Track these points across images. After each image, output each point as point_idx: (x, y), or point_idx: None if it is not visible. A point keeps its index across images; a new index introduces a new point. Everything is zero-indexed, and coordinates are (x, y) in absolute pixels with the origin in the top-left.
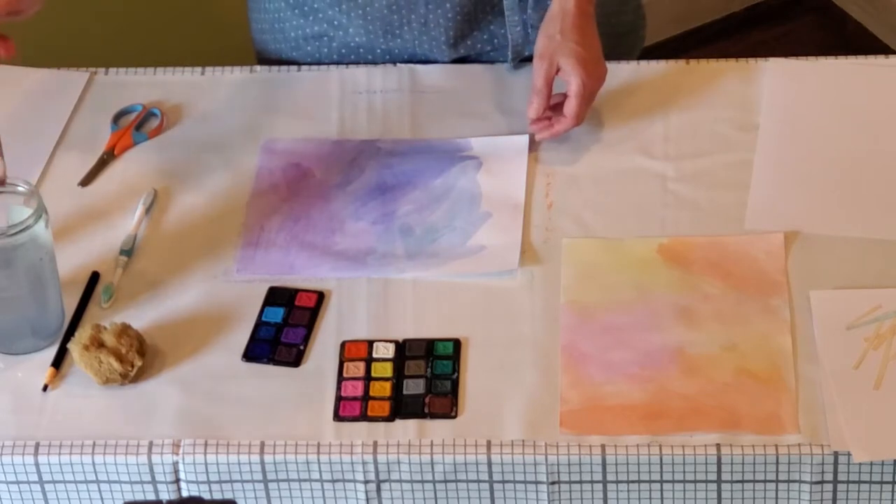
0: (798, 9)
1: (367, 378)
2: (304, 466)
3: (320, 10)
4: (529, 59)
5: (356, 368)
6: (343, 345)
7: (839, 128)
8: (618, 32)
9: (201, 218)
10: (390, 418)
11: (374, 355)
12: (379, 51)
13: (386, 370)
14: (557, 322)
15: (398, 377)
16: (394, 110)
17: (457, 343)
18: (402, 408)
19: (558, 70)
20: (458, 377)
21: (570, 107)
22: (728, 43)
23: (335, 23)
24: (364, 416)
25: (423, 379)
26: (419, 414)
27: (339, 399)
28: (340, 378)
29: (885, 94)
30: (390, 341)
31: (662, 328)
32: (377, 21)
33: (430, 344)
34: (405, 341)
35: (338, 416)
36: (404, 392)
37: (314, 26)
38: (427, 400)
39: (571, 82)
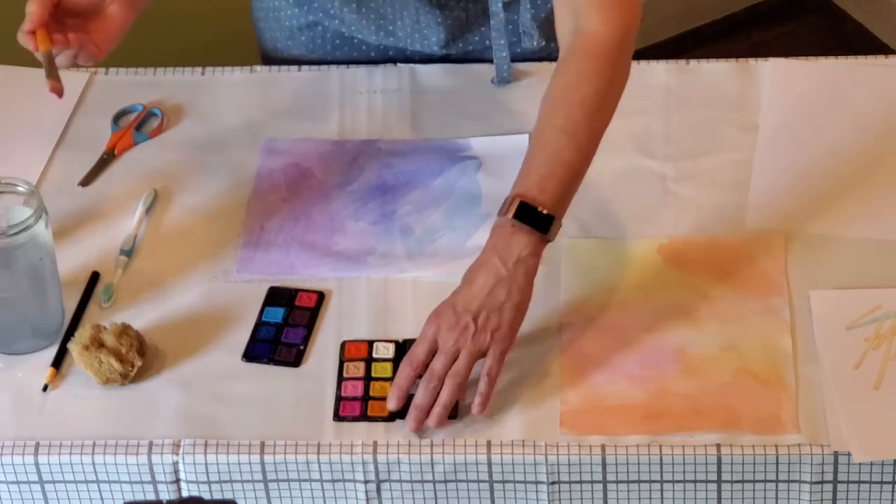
0: (798, 9)
1: (368, 378)
2: (304, 466)
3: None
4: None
5: (356, 368)
6: (343, 345)
7: (839, 128)
8: None
9: (201, 218)
10: (390, 418)
11: (375, 355)
12: (374, 42)
13: (386, 370)
14: (557, 322)
15: None
16: (394, 110)
17: None
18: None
19: None
20: None
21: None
22: (728, 43)
23: (330, 12)
24: (364, 417)
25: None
26: None
27: (339, 399)
28: (340, 378)
29: (885, 94)
30: (390, 341)
31: (662, 328)
32: (371, 15)
33: None
34: (405, 341)
35: (338, 417)
36: None
37: (308, 16)
38: None
39: None
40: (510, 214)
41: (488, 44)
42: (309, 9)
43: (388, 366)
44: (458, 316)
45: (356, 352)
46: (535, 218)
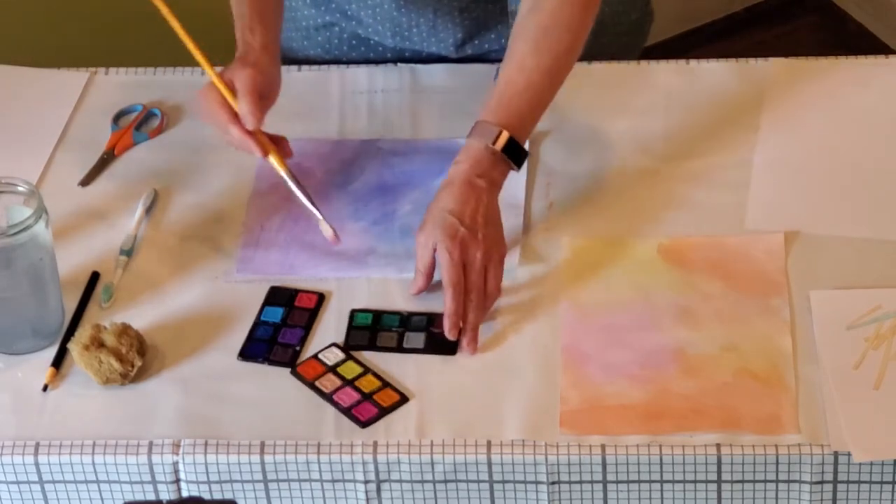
0: (798, 9)
1: (348, 382)
2: (304, 466)
3: (333, 0)
4: None
5: (330, 382)
6: (295, 371)
7: (839, 128)
8: (623, 31)
9: (201, 218)
10: (404, 400)
11: (330, 364)
12: (390, 44)
13: (354, 370)
14: (557, 322)
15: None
16: (394, 110)
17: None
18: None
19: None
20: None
21: (444, 301)
22: (728, 43)
23: (347, 13)
24: (384, 412)
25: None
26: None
27: (347, 411)
28: (326, 396)
29: (885, 94)
30: (332, 346)
31: (662, 328)
32: (386, 21)
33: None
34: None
35: (362, 424)
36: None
37: (325, 16)
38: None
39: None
40: (498, 146)
41: (504, 42)
42: (326, 9)
43: (353, 364)
44: (472, 232)
45: (312, 370)
46: (517, 153)
